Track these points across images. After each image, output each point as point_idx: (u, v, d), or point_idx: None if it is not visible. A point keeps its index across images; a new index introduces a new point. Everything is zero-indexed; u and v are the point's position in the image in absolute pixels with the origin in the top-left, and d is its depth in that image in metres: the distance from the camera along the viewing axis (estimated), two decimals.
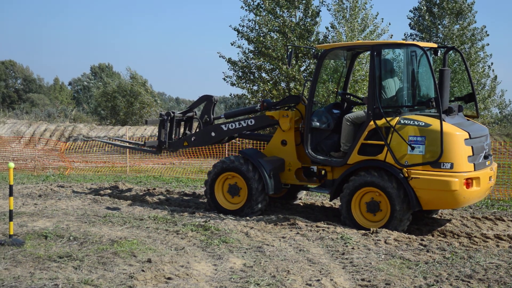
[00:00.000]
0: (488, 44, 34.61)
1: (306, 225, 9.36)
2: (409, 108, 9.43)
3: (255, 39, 30.46)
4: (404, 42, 9.63)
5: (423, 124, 8.85)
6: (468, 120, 9.74)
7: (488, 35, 35.51)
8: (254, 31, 31.00)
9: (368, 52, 10.20)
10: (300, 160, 10.52)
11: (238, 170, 10.44)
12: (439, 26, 36.07)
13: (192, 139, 11.71)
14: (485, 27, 35.91)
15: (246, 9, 31.16)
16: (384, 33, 32.69)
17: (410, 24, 37.39)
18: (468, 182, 8.78)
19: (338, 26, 31.66)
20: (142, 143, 12.59)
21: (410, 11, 37.59)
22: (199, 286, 6.30)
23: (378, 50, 9.35)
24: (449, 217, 10.89)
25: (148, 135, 34.51)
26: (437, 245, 8.28)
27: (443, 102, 8.91)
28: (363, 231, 9.02)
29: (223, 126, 11.40)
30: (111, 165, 21.62)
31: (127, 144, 13.92)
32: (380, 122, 9.15)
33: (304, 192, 12.17)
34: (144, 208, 11.10)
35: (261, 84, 30.21)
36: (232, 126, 11.29)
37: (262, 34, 30.48)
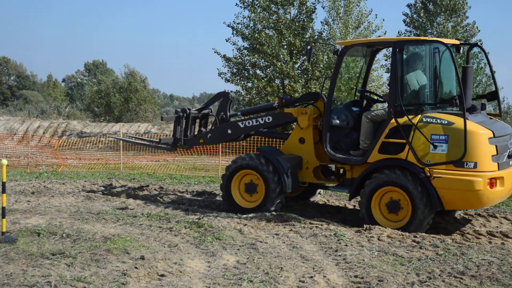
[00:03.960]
0: (480, 41, 34.58)
1: (300, 222, 9.36)
2: (432, 106, 9.22)
3: (249, 36, 30.43)
4: (427, 38, 9.47)
5: (446, 122, 8.67)
6: (491, 118, 9.51)
7: (479, 31, 35.60)
8: (248, 28, 30.98)
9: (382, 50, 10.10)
10: (318, 158, 10.34)
11: (256, 168, 10.23)
12: (434, 23, 36.13)
13: (208, 136, 11.56)
14: (475, 23, 36.02)
15: (241, 6, 31.15)
16: (378, 30, 32.71)
17: (405, 21, 37.43)
18: (492, 182, 8.59)
19: (332, 23, 31.66)
20: (157, 140, 12.40)
21: (407, 5, 37.64)
22: (192, 283, 6.30)
23: (400, 46, 9.16)
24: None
25: (141, 132, 34.47)
26: (430, 241, 8.29)
27: (466, 100, 8.73)
28: (356, 228, 9.03)
29: (239, 123, 11.21)
30: (104, 162, 21.57)
31: (143, 142, 13.75)
32: (401, 120, 8.98)
33: (322, 191, 12.03)
34: (138, 205, 11.07)
35: (256, 81, 30.20)
36: (249, 123, 11.09)
37: (256, 31, 30.46)
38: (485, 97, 9.81)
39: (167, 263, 6.95)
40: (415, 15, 36.69)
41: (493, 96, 9.71)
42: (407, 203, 8.98)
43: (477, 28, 35.72)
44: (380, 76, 31.58)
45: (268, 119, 10.91)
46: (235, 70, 31.56)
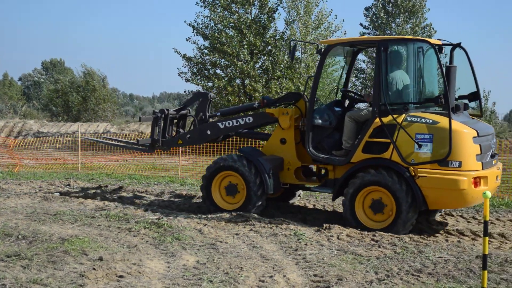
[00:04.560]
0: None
1: (260, 222, 9.37)
2: (416, 105, 9.19)
3: (210, 35, 30.36)
4: (411, 37, 9.39)
5: (431, 121, 8.67)
6: (473, 118, 9.49)
7: (436, 32, 36.27)
8: (209, 27, 30.91)
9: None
10: (299, 159, 10.27)
11: (237, 169, 10.11)
12: (392, 24, 36.66)
13: (187, 137, 11.40)
14: (431, 24, 36.75)
15: (201, 6, 31.06)
16: (338, 30, 32.98)
17: (361, 24, 37.86)
18: (476, 181, 8.59)
19: (293, 23, 31.81)
20: (134, 141, 12.15)
21: (365, 9, 38.06)
22: (151, 283, 6.24)
23: (385, 45, 9.12)
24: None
25: (100, 131, 34.07)
26: (388, 240, 8.39)
27: (450, 99, 8.70)
28: (316, 228, 9.08)
29: (219, 124, 11.06)
30: (62, 162, 21.24)
31: (119, 143, 13.31)
32: (386, 119, 8.95)
33: (302, 192, 11.93)
34: (96, 205, 10.93)
35: (216, 81, 30.15)
36: (229, 124, 10.95)
37: (217, 31, 30.41)
38: (466, 98, 9.73)
39: (126, 264, 6.87)
40: (374, 16, 37.15)
41: (475, 96, 9.64)
42: (391, 203, 8.95)
43: (433, 29, 36.43)
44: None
45: (249, 119, 10.81)
46: (195, 70, 31.47)
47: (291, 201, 11.66)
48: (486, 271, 5.71)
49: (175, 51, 31.39)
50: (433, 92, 9.54)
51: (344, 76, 11.30)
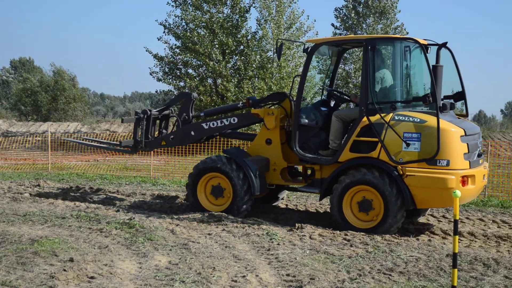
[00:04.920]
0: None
1: (232, 222, 9.36)
2: (404, 104, 9.14)
3: (182, 34, 30.25)
4: (399, 36, 9.27)
5: (418, 120, 8.63)
6: (458, 118, 9.44)
7: (407, 33, 36.62)
8: (181, 27, 30.79)
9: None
10: (285, 159, 10.18)
11: (222, 170, 10.00)
12: (363, 25, 36.94)
13: (171, 138, 11.24)
14: (403, 25, 37.11)
15: (172, 5, 30.93)
16: (309, 30, 33.10)
17: (333, 25, 38.07)
18: (464, 180, 8.58)
19: (265, 23, 31.84)
20: (117, 142, 11.95)
21: (335, 9, 38.29)
22: (123, 284, 6.19)
23: (372, 44, 9.07)
24: (277, 203, 11.18)
25: (71, 131, 33.72)
26: (360, 239, 8.44)
27: (437, 99, 8.68)
28: (288, 227, 9.09)
29: (203, 125, 10.94)
30: (32, 162, 20.96)
31: (100, 144, 13.06)
32: (373, 118, 8.90)
33: (286, 192, 11.81)
34: (67, 206, 10.81)
35: (188, 80, 30.06)
36: (213, 124, 10.84)
37: (189, 30, 30.31)
38: (452, 98, 9.68)
39: (97, 265, 6.80)
40: (345, 17, 37.39)
41: (460, 96, 9.53)
42: (379, 202, 8.91)
43: (405, 30, 36.78)
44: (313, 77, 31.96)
45: (234, 120, 10.70)
46: (167, 69, 31.33)
47: (274, 204, 11.54)
48: (456, 270, 5.77)
49: (146, 50, 31.24)
50: (420, 91, 9.49)
51: (330, 76, 11.16)
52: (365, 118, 8.99)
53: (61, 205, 10.83)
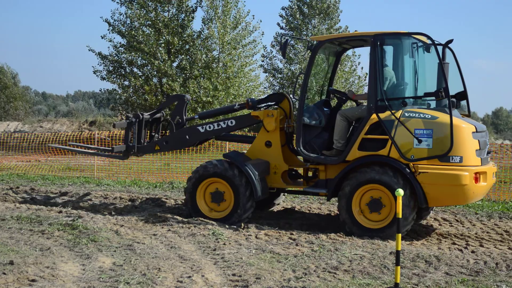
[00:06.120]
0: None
1: (178, 222, 9.29)
2: (415, 100, 8.98)
3: (126, 33, 29.93)
4: (407, 32, 9.00)
5: (430, 116, 8.45)
6: (463, 116, 9.11)
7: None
8: (125, 25, 30.47)
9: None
10: (286, 162, 9.88)
11: (224, 176, 9.55)
12: (309, 25, 37.30)
13: (165, 143, 10.79)
14: (347, 27, 37.70)
15: (118, 2, 30.57)
16: (255, 30, 33.25)
17: (278, 24, 38.30)
18: (477, 177, 8.42)
19: (211, 23, 31.84)
20: (109, 148, 11.44)
21: (282, 8, 38.53)
22: (65, 287, 6.06)
23: (381, 40, 8.87)
24: (317, 211, 11.23)
25: (11, 131, 32.88)
26: (305, 238, 8.50)
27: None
28: (234, 227, 9.09)
29: (199, 128, 10.53)
30: None
31: (89, 150, 12.51)
32: (383, 115, 8.68)
33: (283, 198, 11.56)
34: (7, 208, 10.54)
35: (133, 79, 29.78)
36: (210, 127, 10.47)
37: (134, 29, 30.03)
38: (454, 97, 9.34)
39: (39, 268, 6.64)
40: (291, 18, 37.67)
41: (462, 96, 9.29)
42: (389, 201, 8.70)
43: (349, 31, 37.33)
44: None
45: (231, 122, 10.36)
46: (111, 68, 30.96)
47: (270, 209, 11.26)
48: (399, 267, 5.89)
49: (89, 49, 30.78)
50: (429, 87, 9.16)
51: (329, 76, 10.82)
52: (374, 115, 8.77)
53: (0, 207, 10.55)
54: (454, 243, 8.71)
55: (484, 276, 6.71)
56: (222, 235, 8.48)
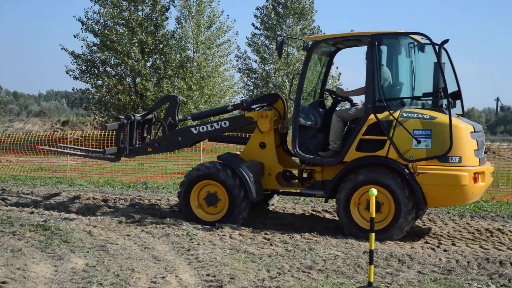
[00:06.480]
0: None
1: (152, 223, 9.25)
2: (414, 100, 8.95)
3: (100, 32, 29.71)
4: (405, 31, 8.94)
5: (428, 117, 8.42)
6: (458, 116, 9.04)
7: (324, 34, 37.36)
8: (99, 24, 30.25)
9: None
10: (280, 163, 9.76)
11: (218, 178, 9.41)
12: (283, 26, 37.38)
13: (157, 145, 10.61)
14: (319, 26, 37.91)
15: (91, 1, 30.35)
16: (230, 30, 33.25)
17: (253, 24, 38.29)
18: (476, 177, 8.39)
19: (185, 22, 31.76)
20: (101, 150, 11.18)
21: (256, 8, 38.55)
22: None
23: (379, 40, 8.82)
24: (291, 211, 11.25)
25: None
26: (280, 238, 8.51)
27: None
28: (208, 227, 9.06)
29: (192, 130, 10.38)
30: None
31: (81, 152, 12.25)
32: (381, 116, 8.63)
33: (277, 198, 11.46)
34: None
35: (106, 79, 29.56)
36: (203, 129, 10.32)
37: (107, 28, 29.82)
38: (448, 97, 9.16)
39: (10, 269, 6.54)
40: (266, 18, 37.71)
41: (456, 96, 9.16)
42: (388, 202, 8.66)
43: (321, 31, 37.59)
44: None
45: (225, 124, 10.23)
46: (84, 68, 30.70)
47: (266, 208, 11.11)
48: (372, 266, 5.92)
49: (62, 48, 30.47)
50: (427, 87, 9.07)
51: (322, 77, 10.66)
52: (372, 116, 8.72)
53: None
54: (426, 242, 8.79)
55: (456, 275, 6.78)
56: (196, 235, 8.45)
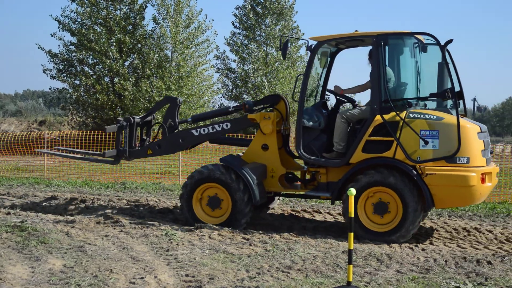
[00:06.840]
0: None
1: (130, 223, 9.19)
2: (421, 100, 8.94)
3: (77, 31, 29.51)
4: (410, 32, 8.87)
5: (435, 117, 8.37)
6: (461, 116, 8.84)
7: (303, 34, 37.52)
8: (76, 23, 30.03)
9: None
10: (283, 165, 9.63)
11: (221, 181, 9.28)
12: (262, 26, 37.44)
13: (157, 147, 10.42)
14: (298, 27, 38.10)
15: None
16: (208, 29, 33.21)
17: (233, 23, 38.30)
18: (483, 177, 8.36)
19: (162, 22, 31.68)
20: (101, 153, 10.98)
21: (236, 8, 38.58)
22: None
23: (384, 40, 8.78)
24: (270, 211, 11.25)
25: None
26: (259, 238, 8.51)
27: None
28: (187, 227, 9.03)
29: (193, 132, 10.19)
30: None
31: (78, 155, 12.09)
32: (387, 117, 8.57)
33: (278, 201, 11.27)
34: None
35: (84, 78, 29.37)
36: (204, 131, 10.13)
37: (85, 27, 29.63)
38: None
39: None
40: (244, 17, 37.73)
41: (459, 96, 8.92)
42: (395, 204, 8.58)
43: (300, 31, 37.75)
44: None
45: (226, 125, 10.06)
46: (61, 67, 30.46)
47: (266, 212, 10.99)
48: (351, 265, 5.93)
49: (39, 47, 30.20)
50: (432, 87, 9.00)
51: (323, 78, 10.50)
52: (378, 117, 8.65)
53: None
54: (405, 241, 8.84)
55: (434, 274, 6.83)
56: (175, 235, 8.42)
